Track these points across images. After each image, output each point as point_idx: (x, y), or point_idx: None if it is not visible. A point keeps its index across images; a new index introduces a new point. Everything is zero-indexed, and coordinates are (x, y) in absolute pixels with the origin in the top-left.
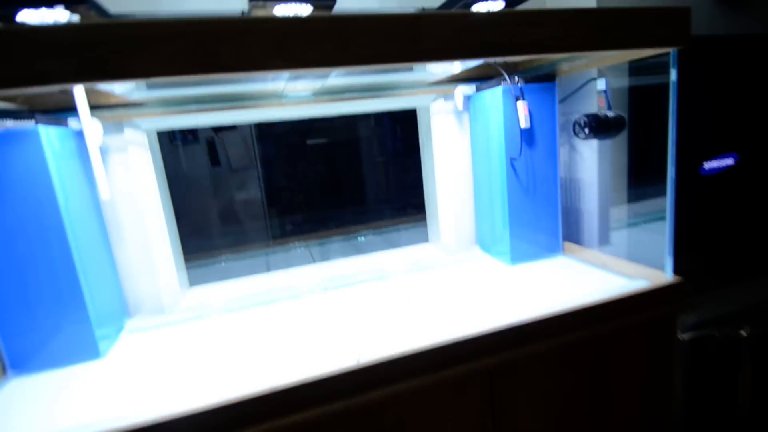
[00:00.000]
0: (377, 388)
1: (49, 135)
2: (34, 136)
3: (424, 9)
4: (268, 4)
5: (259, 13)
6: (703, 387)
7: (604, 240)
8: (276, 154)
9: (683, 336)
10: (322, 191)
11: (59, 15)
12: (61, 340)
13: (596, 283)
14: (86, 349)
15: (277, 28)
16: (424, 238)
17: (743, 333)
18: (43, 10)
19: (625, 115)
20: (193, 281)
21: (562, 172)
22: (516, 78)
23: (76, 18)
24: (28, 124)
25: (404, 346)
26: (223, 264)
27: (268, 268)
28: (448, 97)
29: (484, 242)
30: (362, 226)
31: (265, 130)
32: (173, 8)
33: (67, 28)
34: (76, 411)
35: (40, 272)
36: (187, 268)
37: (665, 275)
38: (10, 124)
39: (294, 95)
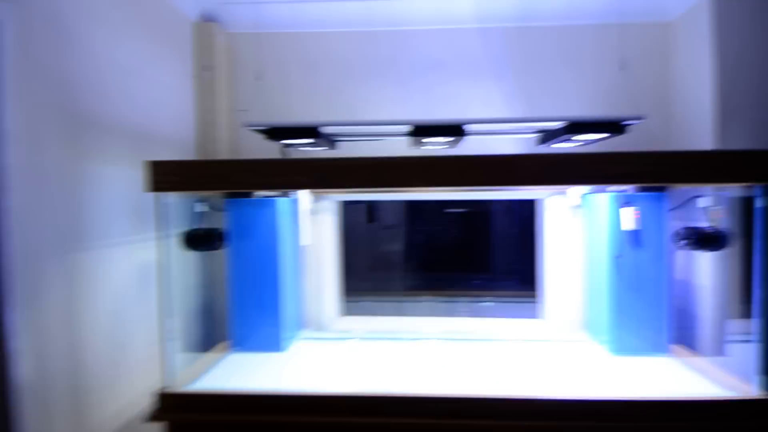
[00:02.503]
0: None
1: (279, 202)
2: (273, 203)
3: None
4: (420, 143)
5: (414, 146)
6: None
7: (718, 350)
8: (419, 217)
9: None
10: (454, 254)
11: (306, 143)
12: (262, 336)
13: (686, 385)
14: (275, 344)
15: (421, 163)
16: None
17: None
18: (298, 140)
19: (735, 230)
20: (346, 311)
21: (681, 275)
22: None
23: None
24: (273, 195)
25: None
26: (363, 303)
27: (400, 310)
28: (565, 192)
29: (591, 328)
30: (484, 292)
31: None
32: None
33: (308, 160)
34: (263, 379)
35: (259, 288)
36: (345, 300)
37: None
38: (260, 193)
39: None
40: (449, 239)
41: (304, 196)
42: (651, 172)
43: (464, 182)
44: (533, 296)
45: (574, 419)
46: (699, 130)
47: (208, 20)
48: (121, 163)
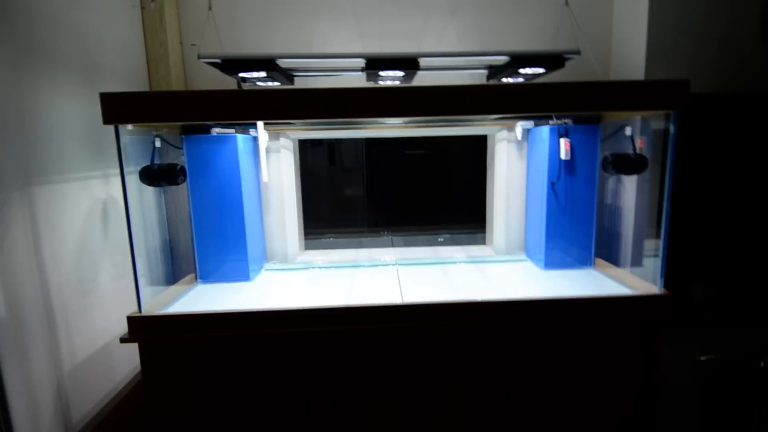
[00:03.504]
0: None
1: (239, 139)
2: (233, 139)
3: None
4: (377, 76)
5: (369, 81)
6: (720, 413)
7: (636, 262)
8: (379, 160)
9: (701, 357)
10: (412, 193)
11: (261, 75)
12: (229, 267)
13: (598, 288)
14: (242, 275)
15: (372, 94)
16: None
17: (762, 364)
18: (253, 73)
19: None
20: (307, 247)
21: (610, 200)
22: (563, 120)
23: (271, 81)
24: (231, 132)
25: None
26: (324, 240)
27: (360, 246)
28: (512, 128)
29: (529, 250)
30: (440, 227)
31: (372, 140)
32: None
33: (265, 90)
34: (234, 303)
35: (224, 222)
36: (306, 237)
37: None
38: (218, 131)
39: (391, 122)
40: (409, 179)
41: (262, 133)
42: (576, 101)
43: (413, 112)
44: (484, 227)
45: (500, 317)
46: (633, 66)
47: None
48: (74, 96)
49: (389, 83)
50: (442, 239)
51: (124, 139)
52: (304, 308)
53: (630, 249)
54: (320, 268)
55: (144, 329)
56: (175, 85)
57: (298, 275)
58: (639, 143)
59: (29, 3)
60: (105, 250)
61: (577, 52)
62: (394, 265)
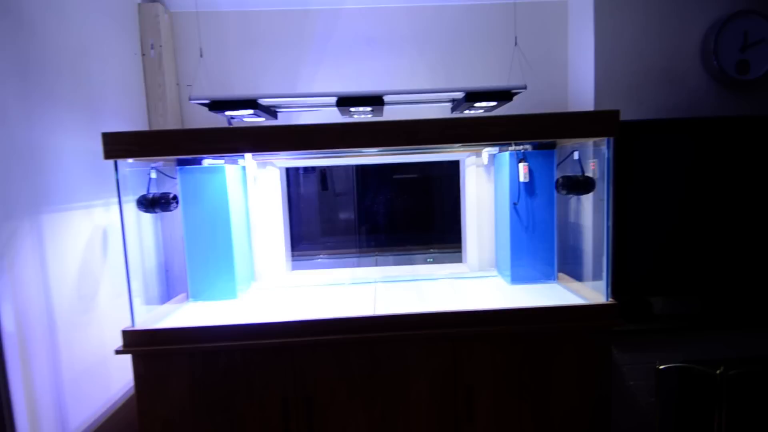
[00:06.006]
0: (381, 332)
1: (228, 169)
2: (222, 169)
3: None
4: (349, 112)
5: (347, 117)
6: (679, 419)
7: (598, 276)
8: (368, 185)
9: (660, 366)
10: (399, 216)
11: (246, 113)
12: (217, 286)
13: (553, 299)
14: (229, 293)
15: (341, 129)
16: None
17: (718, 372)
18: (238, 111)
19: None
20: (298, 267)
21: (573, 218)
22: (522, 145)
23: (256, 117)
24: (220, 163)
25: (401, 310)
26: (312, 260)
27: (347, 266)
28: (479, 154)
29: (499, 267)
30: (426, 246)
31: (363, 166)
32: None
33: (248, 128)
34: (221, 318)
35: (212, 245)
36: (296, 258)
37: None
38: (209, 161)
39: (369, 150)
40: (396, 202)
41: (249, 163)
42: (521, 131)
43: (377, 144)
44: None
45: (467, 326)
46: (585, 97)
47: (152, 0)
48: (80, 134)
49: (360, 117)
50: (431, 259)
51: (125, 170)
52: (270, 322)
53: (591, 264)
54: (303, 287)
55: (136, 342)
56: (172, 122)
57: (280, 293)
58: (592, 165)
59: (45, 54)
60: (105, 271)
61: (524, 87)
62: (373, 282)
